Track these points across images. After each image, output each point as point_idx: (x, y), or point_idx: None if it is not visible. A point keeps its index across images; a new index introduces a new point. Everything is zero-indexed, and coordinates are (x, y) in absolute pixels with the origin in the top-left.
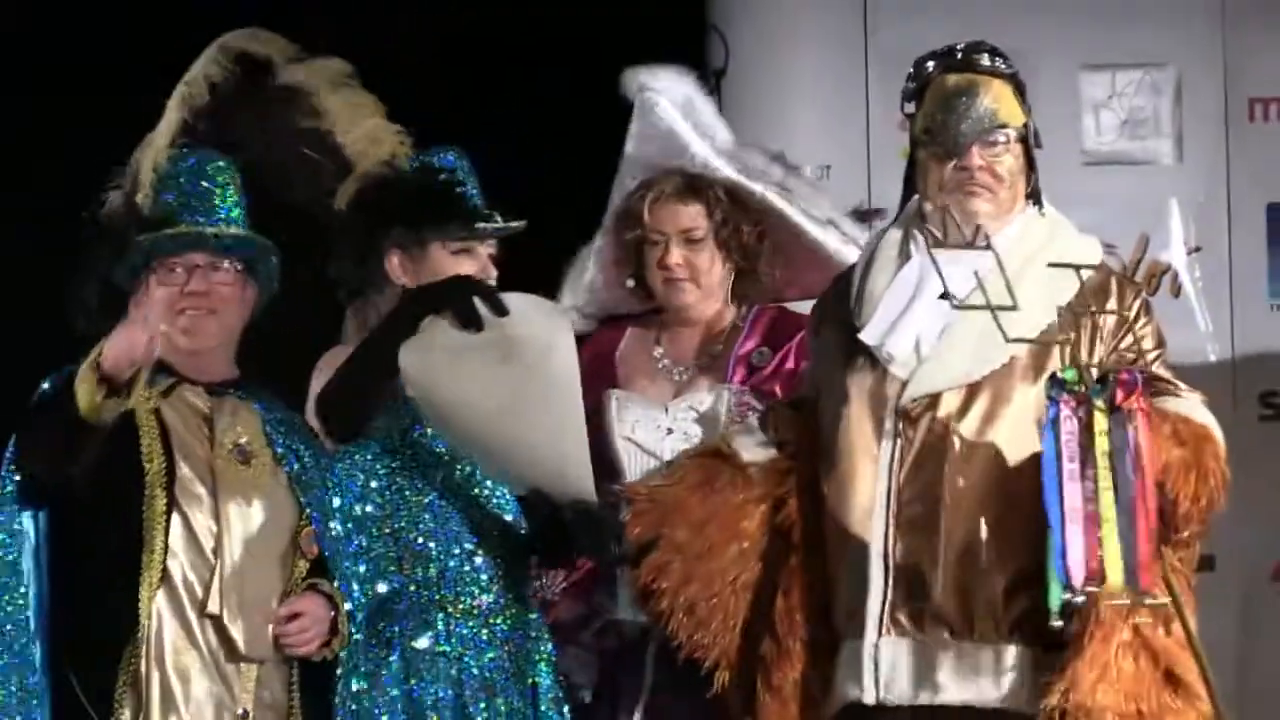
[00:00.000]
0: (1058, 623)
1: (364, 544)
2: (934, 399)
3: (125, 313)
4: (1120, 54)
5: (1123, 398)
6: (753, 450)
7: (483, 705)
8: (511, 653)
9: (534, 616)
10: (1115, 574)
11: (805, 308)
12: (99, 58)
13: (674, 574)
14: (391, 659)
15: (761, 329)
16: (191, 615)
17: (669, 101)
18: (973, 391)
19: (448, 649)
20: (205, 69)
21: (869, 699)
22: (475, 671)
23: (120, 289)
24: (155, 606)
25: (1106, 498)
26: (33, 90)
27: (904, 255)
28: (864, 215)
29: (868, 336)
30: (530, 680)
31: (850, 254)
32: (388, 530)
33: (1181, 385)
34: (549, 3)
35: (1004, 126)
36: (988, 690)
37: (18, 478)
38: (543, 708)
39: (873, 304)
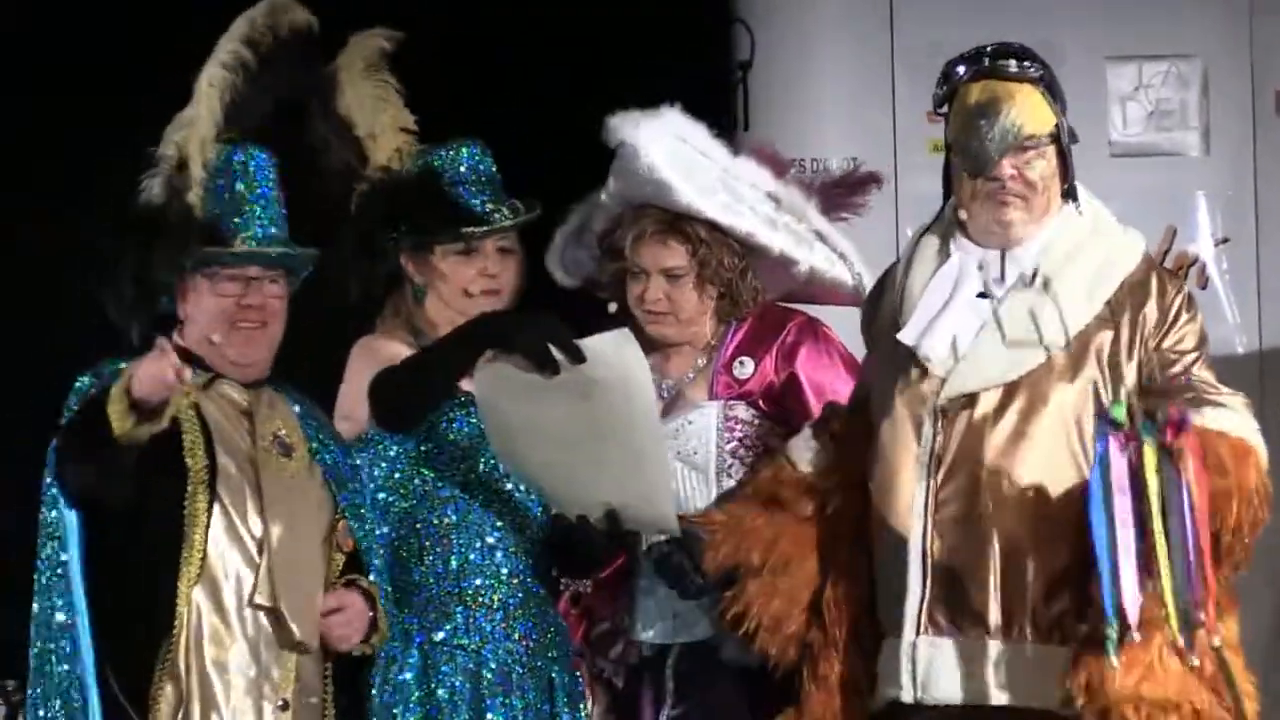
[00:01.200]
0: (1113, 662)
1: (386, 533)
2: (971, 398)
3: (158, 305)
4: (1147, 46)
5: (1172, 436)
6: (809, 458)
7: (500, 700)
8: (530, 648)
9: (552, 612)
10: (1171, 619)
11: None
12: (99, 58)
13: (754, 596)
14: (410, 651)
15: (740, 338)
16: (230, 608)
17: (655, 149)
18: (1010, 391)
19: (466, 642)
20: (238, 47)
21: (907, 698)
22: (493, 666)
23: (154, 281)
24: (194, 601)
25: (1160, 541)
26: (33, 90)
27: (943, 255)
28: (860, 181)
29: (905, 336)
30: (548, 676)
31: (839, 269)
32: (411, 520)
33: (1223, 390)
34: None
35: (1031, 137)
36: (1026, 691)
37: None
38: (559, 704)
39: (911, 303)
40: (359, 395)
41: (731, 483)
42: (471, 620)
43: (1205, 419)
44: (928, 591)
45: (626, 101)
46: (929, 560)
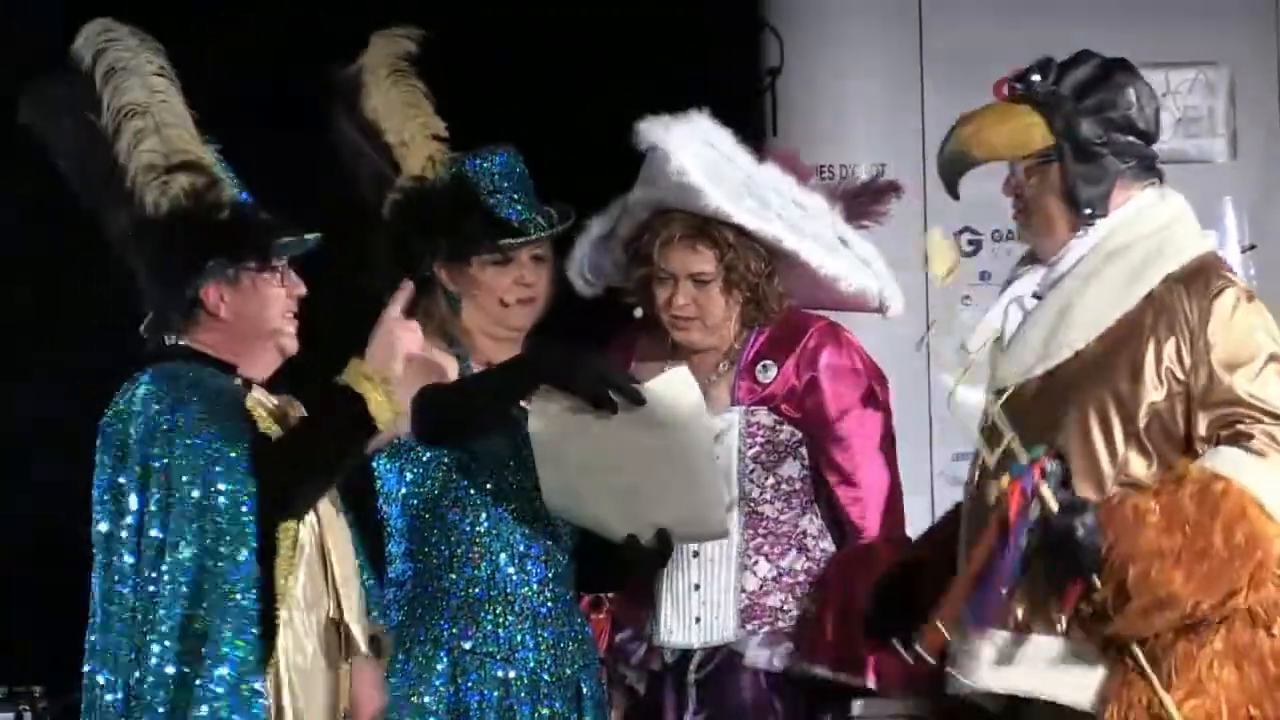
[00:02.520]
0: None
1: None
2: (1013, 390)
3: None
4: (1174, 53)
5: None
6: None
7: (528, 710)
8: (557, 657)
9: (580, 620)
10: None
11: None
12: None
13: None
14: (439, 657)
15: (762, 342)
16: (299, 619)
17: (684, 153)
18: (1046, 383)
19: (495, 650)
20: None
21: (950, 689)
22: (522, 674)
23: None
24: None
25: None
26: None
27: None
28: (882, 189)
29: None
30: (575, 685)
31: (863, 276)
32: (443, 527)
33: (1262, 417)
34: (607, 3)
35: (989, 161)
36: (1051, 685)
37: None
38: (586, 713)
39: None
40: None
41: (754, 488)
42: (501, 628)
43: (1205, 460)
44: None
45: (655, 107)
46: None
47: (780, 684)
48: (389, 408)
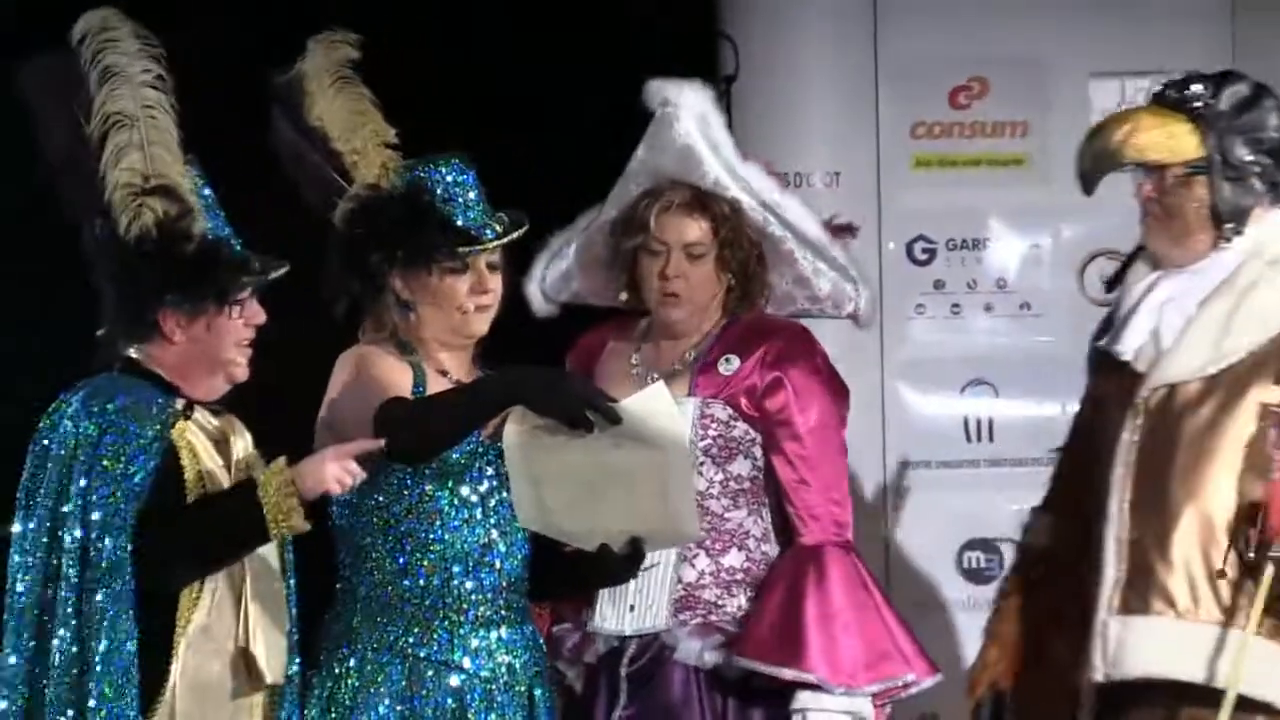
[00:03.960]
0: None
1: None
2: (1172, 389)
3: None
4: (1130, 61)
5: None
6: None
7: (482, 717)
8: (510, 665)
9: (531, 628)
10: None
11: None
12: None
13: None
14: (393, 667)
15: (731, 337)
16: (203, 643)
17: (690, 117)
18: (1210, 385)
19: (450, 658)
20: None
21: (1099, 677)
22: (477, 682)
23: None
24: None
25: None
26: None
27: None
28: (838, 230)
29: (1103, 341)
30: (529, 692)
31: (840, 277)
32: (398, 532)
33: None
34: (560, 9)
35: (1142, 164)
36: (1209, 668)
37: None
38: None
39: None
40: (348, 409)
41: (702, 481)
42: (455, 636)
43: None
44: (1119, 572)
45: (610, 113)
46: (1121, 542)
47: (711, 681)
48: (282, 521)
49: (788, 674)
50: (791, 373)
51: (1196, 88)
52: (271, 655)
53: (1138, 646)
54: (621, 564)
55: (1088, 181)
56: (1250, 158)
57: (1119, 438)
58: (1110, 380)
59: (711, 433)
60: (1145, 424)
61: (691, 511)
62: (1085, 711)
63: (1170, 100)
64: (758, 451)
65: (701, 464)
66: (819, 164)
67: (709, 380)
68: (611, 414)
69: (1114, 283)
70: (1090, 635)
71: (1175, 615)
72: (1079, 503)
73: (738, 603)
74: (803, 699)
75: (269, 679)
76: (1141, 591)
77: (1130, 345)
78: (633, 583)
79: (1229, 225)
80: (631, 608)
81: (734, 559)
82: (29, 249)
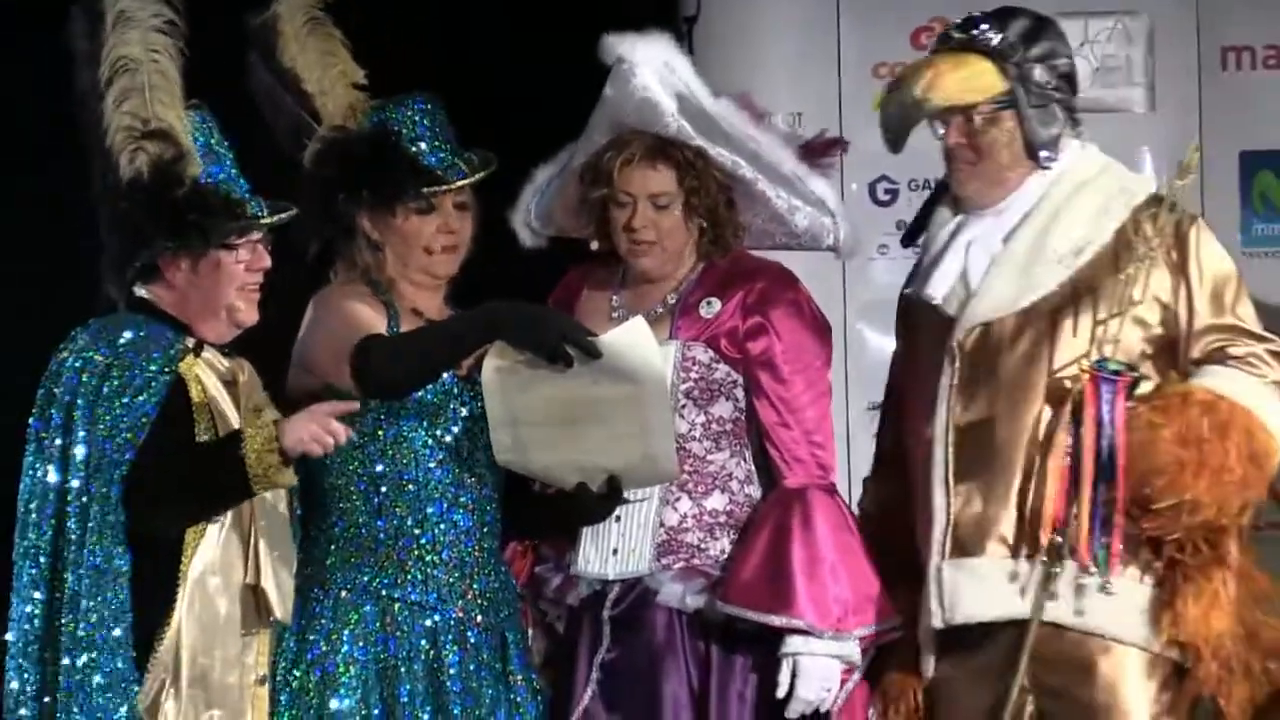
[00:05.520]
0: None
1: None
2: (986, 328)
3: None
4: (1093, 2)
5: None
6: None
7: (456, 659)
8: (484, 607)
9: (505, 570)
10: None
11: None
12: None
13: None
14: (366, 608)
15: (711, 279)
16: (211, 580)
17: (648, 70)
18: (1025, 319)
19: (423, 599)
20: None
21: (937, 623)
22: (450, 624)
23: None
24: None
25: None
26: None
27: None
28: (827, 145)
29: (909, 289)
30: (501, 634)
31: (817, 212)
32: (372, 475)
33: (1264, 346)
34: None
35: (952, 110)
36: (1053, 607)
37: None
38: (512, 662)
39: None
40: (323, 348)
41: (684, 424)
42: (429, 577)
43: (1203, 379)
44: (950, 517)
45: (572, 57)
46: (950, 487)
47: (694, 625)
48: (264, 477)
49: (777, 621)
50: (773, 315)
51: (984, 26)
52: (281, 592)
53: (971, 588)
54: (599, 503)
55: (895, 138)
56: (1052, 83)
57: (938, 383)
58: (922, 329)
59: (693, 375)
60: (963, 367)
61: (670, 450)
62: (927, 658)
63: (959, 43)
64: (739, 394)
65: (683, 407)
66: (781, 105)
67: (690, 323)
68: (590, 348)
69: (915, 232)
70: (925, 582)
71: (1007, 554)
72: (904, 460)
73: (721, 546)
74: (793, 643)
75: (278, 614)
76: (973, 534)
77: (939, 289)
78: (615, 526)
79: (1045, 155)
80: (614, 551)
81: (717, 501)
82: (29, 249)
